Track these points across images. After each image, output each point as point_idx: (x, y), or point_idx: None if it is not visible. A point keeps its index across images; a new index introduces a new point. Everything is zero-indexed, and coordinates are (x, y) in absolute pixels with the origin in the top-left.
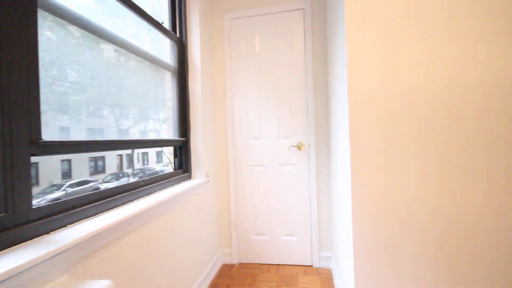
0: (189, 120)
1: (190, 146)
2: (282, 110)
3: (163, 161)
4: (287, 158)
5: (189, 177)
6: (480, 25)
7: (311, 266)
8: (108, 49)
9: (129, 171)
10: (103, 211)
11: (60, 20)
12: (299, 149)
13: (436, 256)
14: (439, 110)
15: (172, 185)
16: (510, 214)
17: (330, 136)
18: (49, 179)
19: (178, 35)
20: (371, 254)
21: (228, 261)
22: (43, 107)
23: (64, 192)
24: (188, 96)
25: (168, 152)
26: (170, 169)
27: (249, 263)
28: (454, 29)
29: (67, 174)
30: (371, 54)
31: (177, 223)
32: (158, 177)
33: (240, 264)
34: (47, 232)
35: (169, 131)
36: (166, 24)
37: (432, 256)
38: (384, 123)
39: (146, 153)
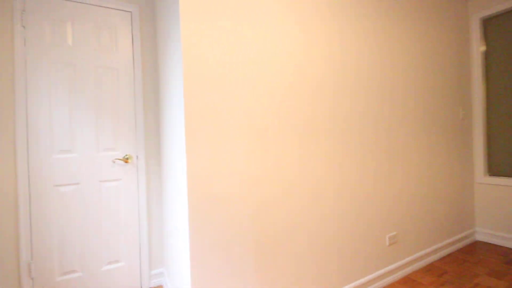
0: None
1: None
2: (104, 119)
3: None
4: (110, 173)
5: None
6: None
7: None
8: None
9: None
10: None
11: None
12: (126, 162)
13: (278, 253)
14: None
15: None
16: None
17: (162, 147)
18: None
19: None
20: (207, 255)
21: None
22: None
23: None
24: None
25: None
26: None
27: None
28: (294, 17)
29: None
30: (208, 55)
31: None
32: None
33: None
34: None
35: None
36: None
37: (272, 252)
38: (218, 126)
39: None
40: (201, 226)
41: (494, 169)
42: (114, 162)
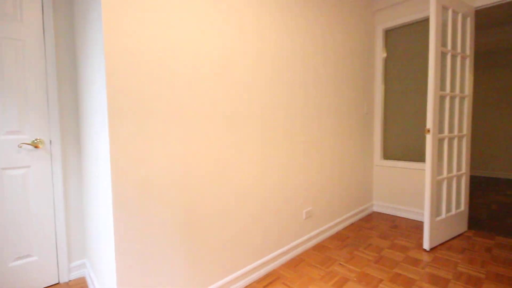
0: None
1: None
2: (5, 98)
3: None
4: (15, 159)
5: None
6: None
7: (58, 283)
8: None
9: None
10: None
11: None
12: (36, 147)
13: (207, 238)
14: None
15: None
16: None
17: (82, 130)
18: None
19: None
20: (134, 243)
21: None
22: None
23: None
24: None
25: None
26: None
27: None
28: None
29: None
30: (136, 28)
31: None
32: None
33: None
34: None
35: None
36: None
37: (201, 238)
38: (143, 112)
39: None
40: (126, 213)
41: (387, 153)
42: (20, 147)
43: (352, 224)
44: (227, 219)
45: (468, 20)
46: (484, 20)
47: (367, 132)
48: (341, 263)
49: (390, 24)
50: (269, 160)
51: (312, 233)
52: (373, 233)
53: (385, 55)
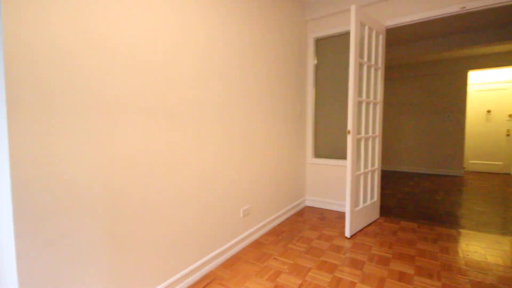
0: None
1: None
2: None
3: None
4: None
5: None
6: None
7: None
8: None
9: None
10: None
11: None
12: None
13: (136, 239)
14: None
15: None
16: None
17: None
18: None
19: None
20: (41, 252)
21: None
22: None
23: None
24: None
25: None
26: None
27: None
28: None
29: None
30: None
31: None
32: None
33: None
34: None
35: None
36: None
37: (128, 240)
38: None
39: None
40: (31, 222)
41: (318, 152)
42: None
43: (287, 219)
44: (159, 222)
45: (381, 37)
46: (392, 38)
47: (301, 132)
48: (276, 257)
49: (320, 34)
50: (205, 160)
51: (250, 231)
52: (305, 226)
53: (316, 61)
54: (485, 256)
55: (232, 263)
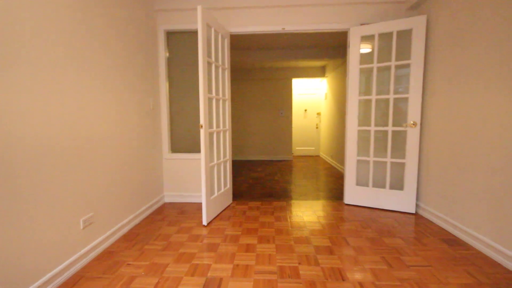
0: None
1: None
2: None
3: None
4: None
5: None
6: None
7: None
8: None
9: None
10: None
11: None
12: None
13: None
14: None
15: None
16: None
17: None
18: None
19: None
20: None
21: None
22: None
23: None
24: None
25: None
26: None
27: None
28: None
29: None
30: None
31: None
32: None
33: None
34: None
35: None
36: None
37: None
38: None
39: None
40: None
41: (175, 147)
42: None
43: (145, 219)
44: None
45: (226, 40)
46: (240, 44)
47: (156, 127)
48: (130, 262)
49: (172, 27)
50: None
51: (96, 241)
52: (163, 223)
53: (168, 55)
54: (303, 218)
55: (72, 283)
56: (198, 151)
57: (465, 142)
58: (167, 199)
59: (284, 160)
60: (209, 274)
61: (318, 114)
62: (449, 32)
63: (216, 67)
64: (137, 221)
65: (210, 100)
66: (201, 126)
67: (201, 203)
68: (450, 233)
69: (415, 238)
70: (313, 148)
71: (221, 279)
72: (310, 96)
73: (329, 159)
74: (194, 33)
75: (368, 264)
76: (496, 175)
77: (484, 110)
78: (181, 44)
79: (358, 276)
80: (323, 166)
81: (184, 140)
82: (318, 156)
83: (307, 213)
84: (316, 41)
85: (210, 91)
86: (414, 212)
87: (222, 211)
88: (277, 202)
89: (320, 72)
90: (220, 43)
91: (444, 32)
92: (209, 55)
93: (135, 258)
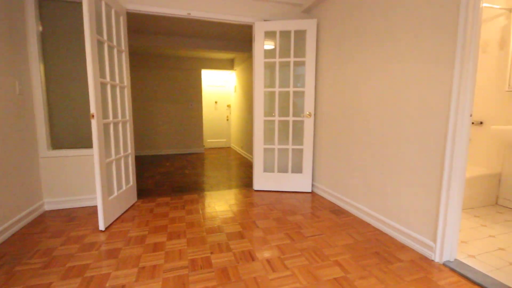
0: None
1: None
2: None
3: None
4: None
5: None
6: None
7: None
8: None
9: None
10: None
11: None
12: None
13: None
14: None
15: None
16: None
17: None
18: None
19: None
20: None
21: None
22: None
23: None
24: None
25: None
26: None
27: None
28: None
29: None
30: None
31: None
32: None
33: None
34: None
35: None
36: None
37: None
38: None
39: None
40: None
41: (57, 143)
42: None
43: (14, 235)
44: None
45: (121, 18)
46: (135, 25)
47: (28, 118)
48: None
49: None
50: None
51: None
52: (44, 236)
53: (41, 28)
54: (215, 208)
55: None
56: (91, 146)
57: (345, 126)
58: (48, 207)
59: (195, 153)
60: (107, 284)
61: (228, 106)
62: (332, 34)
63: (110, 48)
64: (3, 238)
65: (103, 85)
66: (93, 116)
67: (95, 206)
68: (336, 205)
69: (311, 213)
70: (225, 139)
71: (123, 286)
72: (220, 88)
73: (240, 150)
74: (79, 4)
75: (275, 241)
76: (365, 153)
77: (355, 97)
78: (62, 16)
79: (266, 254)
80: (234, 157)
81: (70, 133)
82: (229, 147)
83: (219, 203)
84: (225, 33)
85: (103, 75)
86: (310, 191)
87: (124, 212)
88: (188, 196)
89: (229, 64)
90: (114, 19)
91: (330, 35)
92: (99, 33)
93: (0, 285)
